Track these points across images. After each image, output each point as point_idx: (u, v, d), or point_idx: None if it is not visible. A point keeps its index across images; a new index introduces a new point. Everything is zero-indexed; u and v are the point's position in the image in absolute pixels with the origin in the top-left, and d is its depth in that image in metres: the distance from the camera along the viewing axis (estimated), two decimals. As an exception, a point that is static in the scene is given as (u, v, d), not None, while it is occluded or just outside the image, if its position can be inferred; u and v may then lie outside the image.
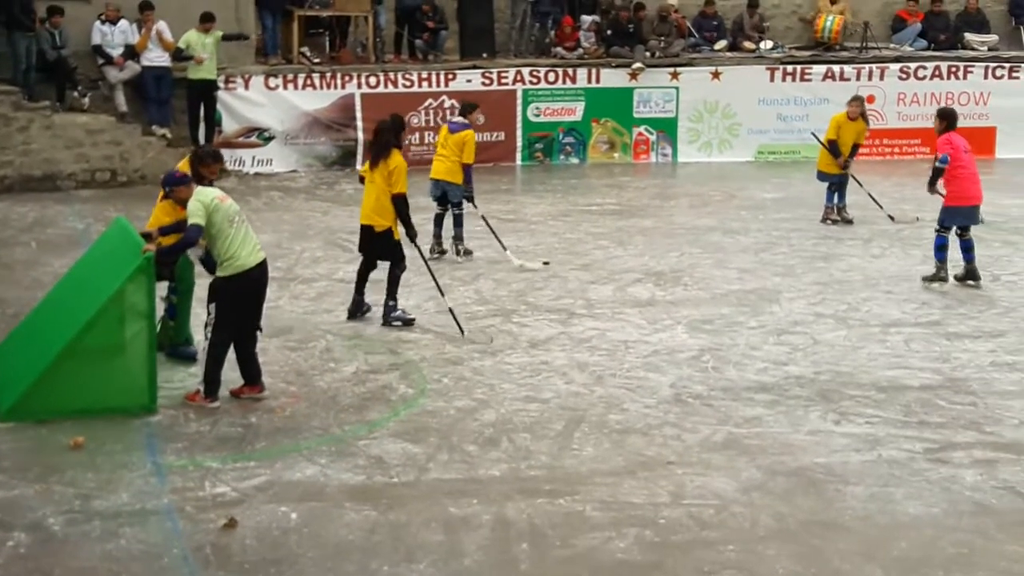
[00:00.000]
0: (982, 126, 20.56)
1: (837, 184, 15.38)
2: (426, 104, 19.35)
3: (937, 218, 12.67)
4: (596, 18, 20.52)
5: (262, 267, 8.85)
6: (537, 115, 19.78)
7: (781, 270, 13.08)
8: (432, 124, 19.29)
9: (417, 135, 19.33)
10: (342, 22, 19.91)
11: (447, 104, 19.31)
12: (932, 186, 12.54)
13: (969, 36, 21.50)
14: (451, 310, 10.82)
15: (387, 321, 10.90)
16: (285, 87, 18.85)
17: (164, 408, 8.74)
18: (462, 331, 10.58)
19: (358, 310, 11.13)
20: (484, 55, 19.96)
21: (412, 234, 10.85)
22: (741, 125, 20.26)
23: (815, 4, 21.82)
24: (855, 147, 15.37)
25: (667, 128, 20.21)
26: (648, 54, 20.12)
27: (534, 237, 14.42)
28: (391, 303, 10.94)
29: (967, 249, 12.49)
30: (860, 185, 15.46)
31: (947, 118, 12.65)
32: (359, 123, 19.13)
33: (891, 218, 15.25)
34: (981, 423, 8.68)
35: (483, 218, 13.60)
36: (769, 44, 20.95)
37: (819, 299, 11.93)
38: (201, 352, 9.09)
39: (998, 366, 9.93)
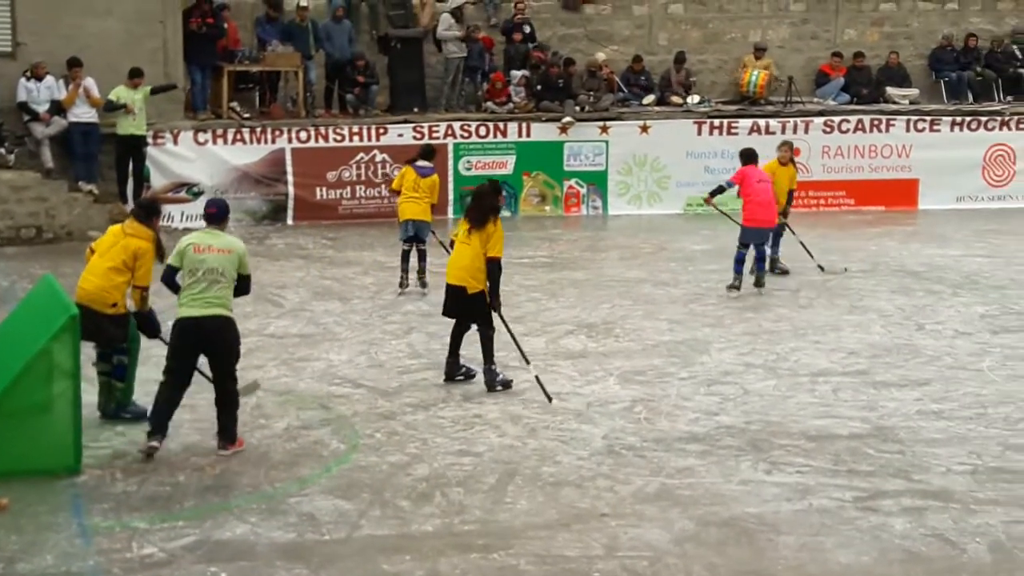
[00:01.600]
0: (904, 178, 21.02)
1: (773, 235, 15.53)
2: (357, 158, 19.37)
3: (738, 238, 14.59)
4: (526, 73, 20.72)
5: (198, 321, 8.78)
6: (468, 168, 19.88)
7: (711, 321, 13.20)
8: (363, 178, 19.31)
9: (349, 189, 19.34)
10: (272, 77, 19.93)
11: (378, 158, 19.36)
12: (710, 197, 15.12)
13: (891, 90, 21.99)
14: (537, 378, 10.42)
15: (492, 387, 10.55)
16: (215, 142, 18.81)
17: (90, 468, 8.59)
18: (549, 399, 10.22)
19: (455, 372, 10.86)
20: (415, 109, 20.06)
21: (497, 304, 10.57)
22: (670, 178, 20.51)
23: (741, 60, 22.22)
24: (790, 193, 15.55)
25: (597, 181, 20.41)
26: (578, 108, 20.34)
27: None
28: (492, 367, 10.61)
29: (759, 259, 14.76)
30: (793, 233, 15.66)
31: (743, 156, 14.98)
32: (290, 177, 19.13)
33: (821, 268, 15.46)
34: (909, 471, 8.77)
35: (444, 246, 13.80)
36: (696, 98, 21.28)
37: (748, 349, 12.04)
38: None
39: (924, 414, 10.06)
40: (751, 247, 14.51)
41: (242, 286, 9.06)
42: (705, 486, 8.45)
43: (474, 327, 10.72)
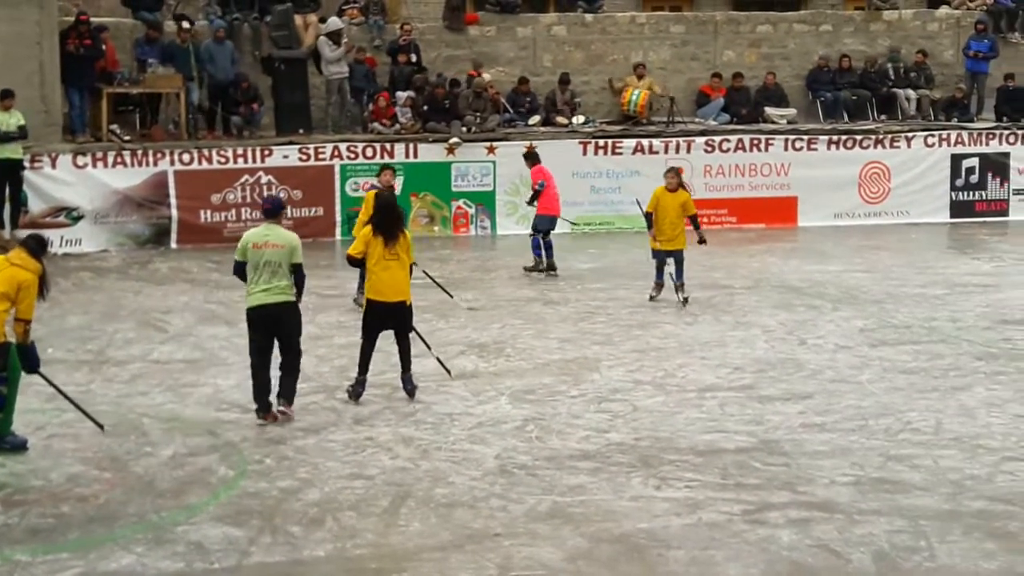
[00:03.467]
0: (784, 196, 21.47)
1: (673, 261, 14.95)
2: (242, 180, 19.18)
3: (532, 226, 16.98)
4: (412, 94, 20.73)
5: (265, 309, 10.07)
6: (356, 190, 19.79)
7: (600, 339, 13.32)
8: (248, 200, 19.10)
9: (234, 211, 19.12)
10: (153, 99, 19.62)
11: (264, 180, 19.18)
12: (532, 201, 17.20)
13: (769, 110, 22.48)
14: (438, 358, 11.65)
15: (415, 393, 10.98)
16: (94, 165, 18.46)
17: (-32, 501, 8.35)
18: (449, 372, 11.57)
19: (363, 390, 10.98)
20: (300, 131, 19.93)
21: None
22: (557, 197, 20.60)
23: (623, 78, 22.50)
24: (693, 219, 14.92)
25: (485, 201, 20.49)
26: (464, 129, 20.41)
27: (355, 313, 14.31)
28: (411, 374, 11.12)
29: (549, 247, 16.77)
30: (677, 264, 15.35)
31: (530, 157, 17.40)
32: (172, 200, 18.84)
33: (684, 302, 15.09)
34: (795, 483, 8.95)
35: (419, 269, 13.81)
36: (581, 119, 21.50)
37: (637, 366, 12.18)
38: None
39: (808, 427, 10.27)
40: (545, 233, 16.76)
41: (296, 276, 10.17)
42: (596, 503, 8.52)
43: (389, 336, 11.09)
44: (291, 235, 10.31)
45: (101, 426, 9.78)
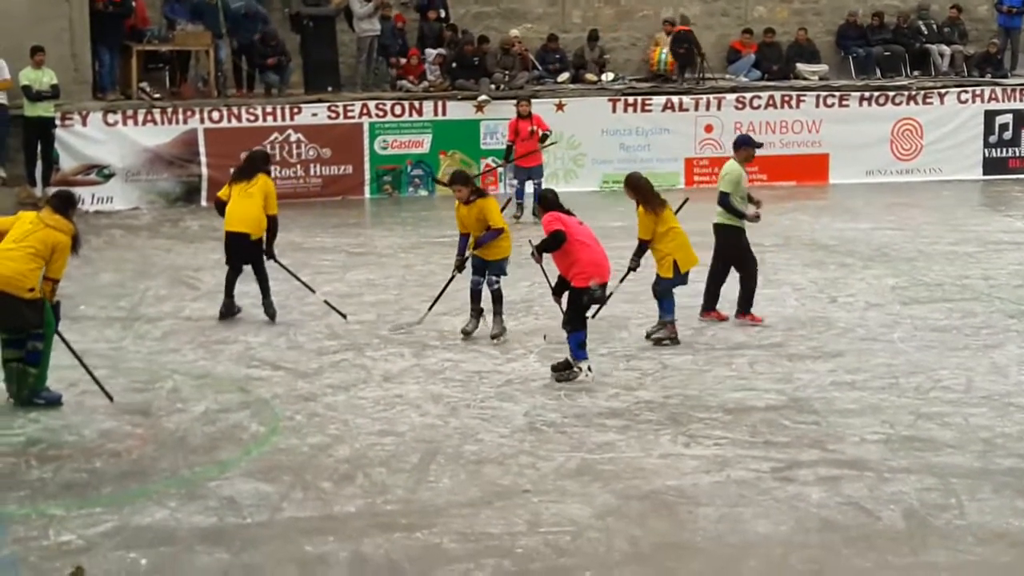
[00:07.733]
0: (815, 153, 21.32)
1: None
2: (271, 138, 19.17)
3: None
4: (441, 51, 20.65)
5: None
6: (384, 148, 19.79)
7: (628, 297, 13.26)
8: (278, 158, 19.09)
9: (264, 169, 19.13)
10: (182, 56, 19.62)
11: (293, 138, 19.18)
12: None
13: (801, 66, 22.27)
14: (326, 301, 12.19)
15: (275, 316, 12.06)
16: (125, 123, 18.50)
17: (4, 456, 8.45)
18: (343, 316, 11.99)
19: (230, 312, 12.17)
20: (329, 88, 19.90)
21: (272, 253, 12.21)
22: (586, 155, 20.58)
23: (653, 36, 22.34)
24: None
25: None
26: (493, 86, 20.32)
27: (384, 270, 14.36)
28: (271, 300, 12.20)
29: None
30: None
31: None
32: (203, 158, 18.86)
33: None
34: (824, 441, 8.93)
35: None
36: (610, 76, 21.37)
37: (666, 324, 12.14)
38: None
39: (838, 385, 10.24)
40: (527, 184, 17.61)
41: (721, 200, 12.14)
42: (625, 460, 8.53)
43: (249, 270, 12.17)
44: (727, 168, 12.09)
45: (110, 397, 9.62)
